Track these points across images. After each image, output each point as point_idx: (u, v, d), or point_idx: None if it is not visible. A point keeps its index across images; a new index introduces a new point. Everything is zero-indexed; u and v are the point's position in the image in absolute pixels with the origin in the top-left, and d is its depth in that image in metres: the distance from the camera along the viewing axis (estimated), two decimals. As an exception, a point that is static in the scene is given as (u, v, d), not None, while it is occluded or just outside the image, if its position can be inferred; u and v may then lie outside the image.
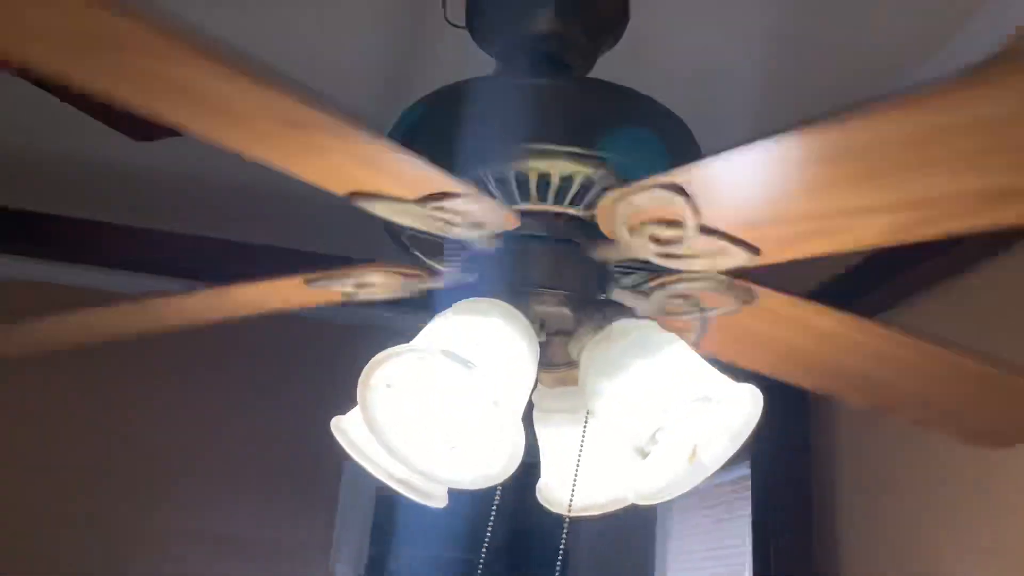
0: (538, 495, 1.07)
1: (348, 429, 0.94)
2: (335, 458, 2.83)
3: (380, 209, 0.87)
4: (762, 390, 0.86)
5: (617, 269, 1.04)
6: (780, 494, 2.16)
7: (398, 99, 1.09)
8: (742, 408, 0.86)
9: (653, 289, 1.02)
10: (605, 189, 0.91)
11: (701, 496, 2.70)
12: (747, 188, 0.80)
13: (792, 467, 2.15)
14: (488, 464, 0.80)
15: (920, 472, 1.96)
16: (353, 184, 0.84)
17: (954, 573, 1.84)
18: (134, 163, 2.25)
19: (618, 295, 1.04)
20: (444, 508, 0.97)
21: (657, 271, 0.99)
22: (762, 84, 1.93)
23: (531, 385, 0.90)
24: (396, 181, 0.84)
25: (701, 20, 1.71)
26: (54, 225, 2.25)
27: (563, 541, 1.06)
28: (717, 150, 0.74)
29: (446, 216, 0.87)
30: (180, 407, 3.09)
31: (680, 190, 0.77)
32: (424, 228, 0.90)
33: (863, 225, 0.80)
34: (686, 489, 0.88)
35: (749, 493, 2.28)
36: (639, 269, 1.04)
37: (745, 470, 2.33)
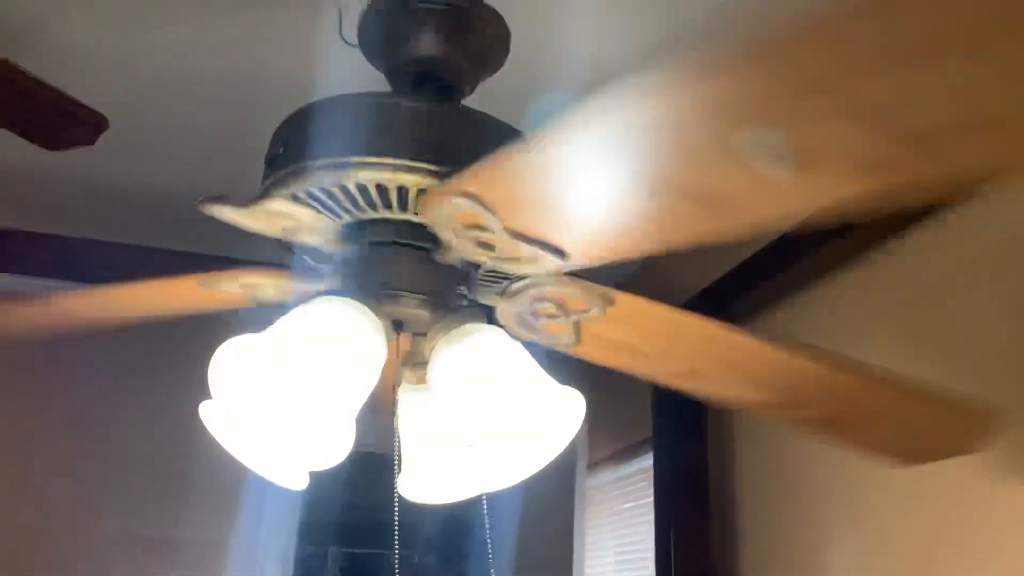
0: (400, 488, 1.14)
1: (213, 414, 0.92)
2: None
3: (227, 214, 0.92)
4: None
5: (484, 278, 1.10)
6: (679, 482, 2.27)
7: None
8: (568, 409, 0.95)
9: (512, 293, 1.09)
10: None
11: (613, 484, 2.82)
12: (532, 186, 0.76)
13: (690, 457, 2.28)
14: (320, 452, 0.88)
15: (814, 463, 2.08)
16: None
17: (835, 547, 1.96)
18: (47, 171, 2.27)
19: (484, 299, 1.11)
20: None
21: (518, 278, 1.07)
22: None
23: (372, 379, 0.96)
24: None
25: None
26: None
27: (487, 521, 1.17)
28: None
29: (287, 222, 0.94)
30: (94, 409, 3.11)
31: (470, 194, 0.78)
32: (270, 233, 0.96)
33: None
34: (519, 480, 0.96)
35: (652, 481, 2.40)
36: (504, 277, 1.10)
37: (647, 461, 2.44)
